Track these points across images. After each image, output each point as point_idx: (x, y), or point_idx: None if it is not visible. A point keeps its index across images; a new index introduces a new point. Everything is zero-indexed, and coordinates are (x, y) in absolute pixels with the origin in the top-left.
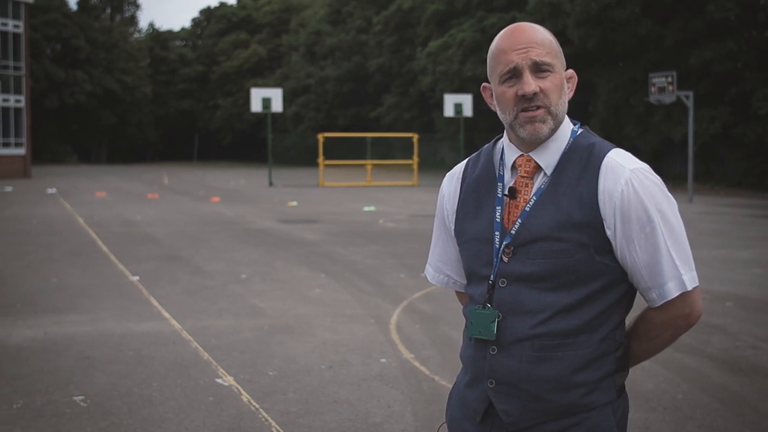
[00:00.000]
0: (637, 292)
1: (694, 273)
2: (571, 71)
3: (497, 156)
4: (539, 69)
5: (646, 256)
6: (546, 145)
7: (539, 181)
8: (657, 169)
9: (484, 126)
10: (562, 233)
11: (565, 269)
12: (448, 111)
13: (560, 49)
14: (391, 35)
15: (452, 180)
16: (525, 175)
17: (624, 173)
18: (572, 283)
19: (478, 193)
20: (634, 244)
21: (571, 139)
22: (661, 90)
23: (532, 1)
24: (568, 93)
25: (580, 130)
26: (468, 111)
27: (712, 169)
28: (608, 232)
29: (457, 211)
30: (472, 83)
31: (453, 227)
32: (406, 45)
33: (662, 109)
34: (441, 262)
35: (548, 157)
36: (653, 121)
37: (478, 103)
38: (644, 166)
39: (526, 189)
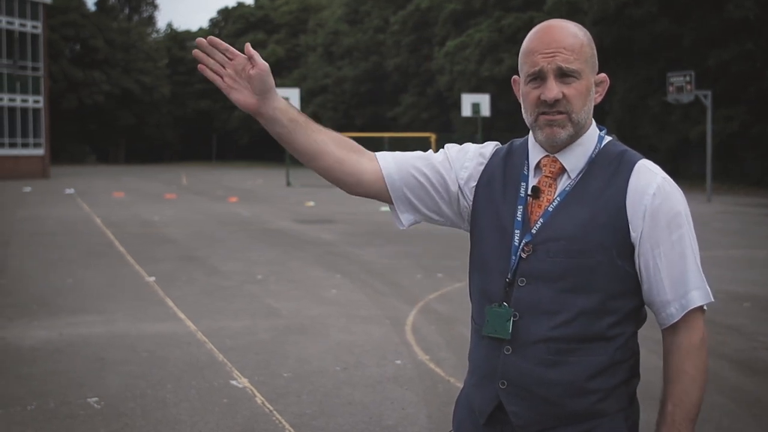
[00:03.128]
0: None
1: (708, 290)
2: (602, 75)
3: (524, 154)
4: (564, 74)
5: (670, 262)
6: (572, 148)
7: (563, 183)
8: (674, 169)
9: (501, 125)
10: (586, 233)
11: (584, 269)
12: (466, 111)
13: (593, 51)
14: (408, 35)
15: (478, 153)
16: (549, 175)
17: (656, 178)
18: (590, 285)
19: (504, 186)
20: (660, 249)
21: (600, 145)
22: (680, 89)
23: (550, 1)
24: (597, 97)
25: (608, 138)
26: (486, 111)
27: (730, 169)
28: (633, 235)
29: (477, 187)
30: (489, 83)
31: (463, 189)
32: (423, 45)
33: (679, 109)
34: (399, 164)
35: (574, 160)
36: (670, 120)
37: (496, 102)
38: (669, 178)
39: (550, 189)
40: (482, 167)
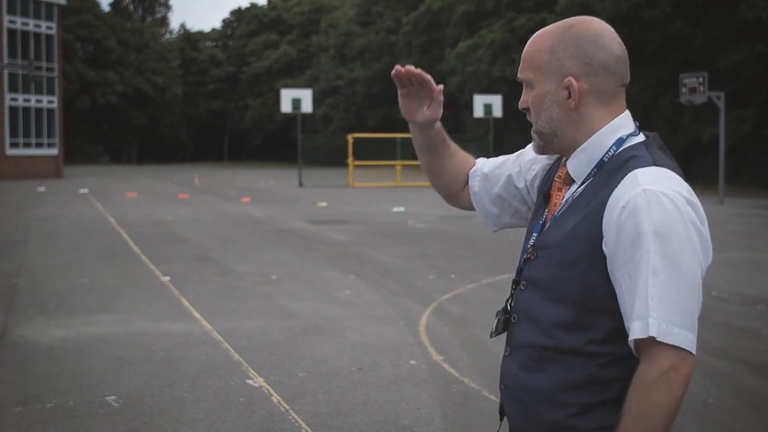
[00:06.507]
0: None
1: (682, 333)
2: (567, 80)
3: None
4: (524, 85)
5: (627, 285)
6: (576, 154)
7: (571, 190)
8: (686, 171)
9: (513, 126)
10: (568, 244)
11: (563, 280)
12: (478, 111)
13: (555, 55)
14: (420, 36)
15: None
16: (558, 180)
17: (635, 189)
18: (567, 297)
19: (546, 190)
20: (623, 269)
21: (616, 150)
22: (692, 90)
23: (563, 2)
24: (569, 102)
25: (635, 140)
26: (498, 112)
27: (742, 171)
28: (605, 249)
29: (537, 188)
30: (501, 84)
31: (529, 189)
32: (435, 46)
33: (691, 110)
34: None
35: (577, 167)
36: (682, 121)
37: (508, 103)
38: (670, 192)
39: (559, 194)
40: (545, 169)
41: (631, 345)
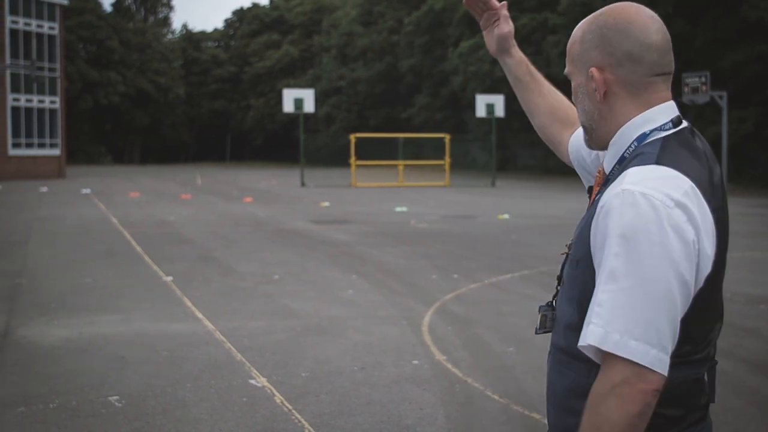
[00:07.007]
0: None
1: (640, 346)
2: (591, 70)
3: None
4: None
5: (595, 288)
6: (609, 149)
7: (605, 186)
8: None
9: (516, 126)
10: (577, 243)
11: (570, 281)
12: (480, 111)
13: (585, 46)
14: (422, 36)
15: None
16: (598, 175)
17: (616, 188)
18: (572, 299)
19: (590, 185)
20: (597, 269)
21: (636, 146)
22: (695, 90)
23: (565, 2)
24: (596, 94)
25: (658, 135)
26: (500, 111)
27: (744, 170)
28: (591, 250)
29: None
30: (503, 83)
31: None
32: (437, 45)
33: (693, 110)
34: None
35: (608, 162)
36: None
37: (510, 103)
38: (652, 192)
39: (596, 189)
40: None
41: (587, 353)
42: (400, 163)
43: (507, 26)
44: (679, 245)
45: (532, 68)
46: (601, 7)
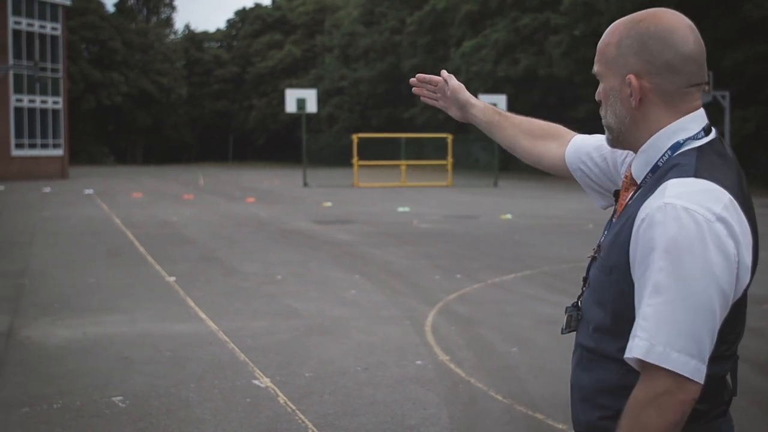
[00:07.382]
0: None
1: (682, 358)
2: (628, 77)
3: None
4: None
5: (637, 300)
6: (638, 155)
7: (634, 192)
8: None
9: None
10: (611, 250)
11: (604, 285)
12: None
13: (620, 50)
14: (424, 36)
15: None
16: (625, 180)
17: (657, 202)
18: (606, 303)
19: (616, 188)
20: (637, 281)
21: (670, 155)
22: None
23: (567, 1)
24: (631, 101)
25: (690, 145)
26: None
27: (746, 170)
28: (630, 260)
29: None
30: (505, 83)
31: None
32: (439, 45)
33: None
34: None
35: (638, 169)
36: None
37: (513, 103)
38: (695, 207)
39: (625, 195)
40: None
41: (631, 363)
42: (403, 163)
43: (454, 82)
44: (720, 259)
45: (496, 108)
46: (605, 8)
